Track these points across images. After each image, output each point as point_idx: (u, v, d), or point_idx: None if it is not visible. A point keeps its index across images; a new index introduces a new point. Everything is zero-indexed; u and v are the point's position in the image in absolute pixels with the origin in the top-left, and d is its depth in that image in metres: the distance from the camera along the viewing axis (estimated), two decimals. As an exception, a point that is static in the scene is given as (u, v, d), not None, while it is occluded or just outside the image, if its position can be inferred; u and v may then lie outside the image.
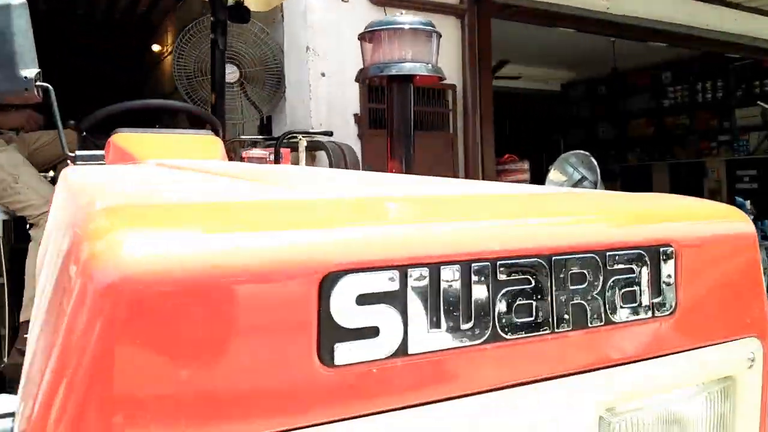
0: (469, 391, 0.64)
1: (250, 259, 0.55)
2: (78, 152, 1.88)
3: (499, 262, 0.65)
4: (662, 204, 0.86)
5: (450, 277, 0.63)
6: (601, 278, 0.71)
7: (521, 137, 9.36)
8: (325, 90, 4.49)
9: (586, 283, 0.71)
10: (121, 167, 1.86)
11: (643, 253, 0.74)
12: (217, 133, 2.49)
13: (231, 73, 4.79)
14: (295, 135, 3.48)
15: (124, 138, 2.17)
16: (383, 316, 0.59)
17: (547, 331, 0.68)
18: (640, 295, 0.74)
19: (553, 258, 0.69)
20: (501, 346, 0.65)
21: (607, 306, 0.72)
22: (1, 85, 1.68)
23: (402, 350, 0.60)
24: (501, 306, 0.65)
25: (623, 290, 0.73)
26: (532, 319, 0.67)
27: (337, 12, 4.55)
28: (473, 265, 0.64)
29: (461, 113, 4.95)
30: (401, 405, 0.60)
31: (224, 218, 0.60)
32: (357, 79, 1.87)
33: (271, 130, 4.80)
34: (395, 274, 0.60)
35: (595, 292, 0.71)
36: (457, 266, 0.63)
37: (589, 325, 0.71)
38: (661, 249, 0.76)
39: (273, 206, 0.68)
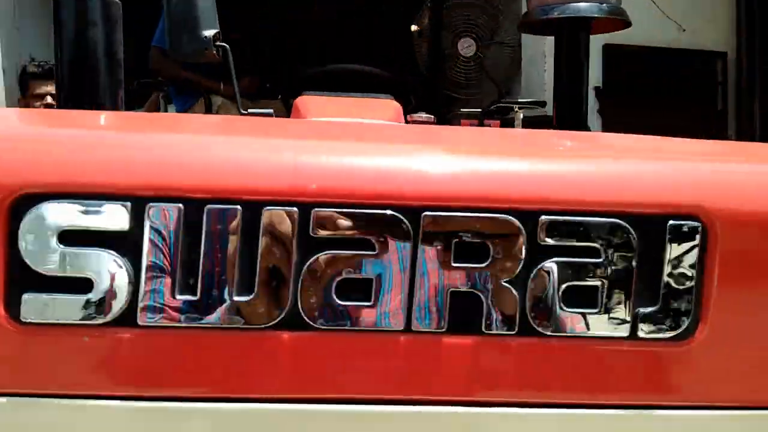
0: (236, 396, 0.42)
1: None
2: (250, 110, 1.95)
3: (316, 211, 0.42)
4: (688, 148, 0.50)
5: (221, 221, 0.42)
6: (524, 254, 0.42)
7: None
8: (562, 61, 4.09)
9: (489, 260, 0.42)
10: None
11: (624, 224, 0.42)
12: (405, 99, 2.40)
13: (468, 47, 4.66)
14: (508, 106, 3.22)
15: (305, 100, 2.23)
16: (101, 264, 0.41)
17: (394, 328, 0.42)
18: (606, 296, 0.43)
19: (425, 214, 0.42)
20: (303, 338, 0.42)
21: (528, 305, 0.42)
22: (186, 46, 1.80)
23: (127, 319, 0.41)
24: (313, 278, 0.42)
25: (567, 283, 0.42)
26: (370, 304, 0.42)
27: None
28: (267, 209, 0.42)
29: (734, 87, 4.12)
30: (120, 393, 0.41)
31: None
32: (520, 29, 1.59)
33: (508, 105, 4.56)
34: (126, 206, 0.41)
35: (505, 279, 0.42)
36: (235, 207, 0.41)
37: (485, 330, 0.42)
38: (671, 222, 0.43)
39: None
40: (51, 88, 2.49)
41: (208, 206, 0.41)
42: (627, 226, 0.42)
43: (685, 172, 0.45)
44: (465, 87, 4.55)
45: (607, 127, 4.10)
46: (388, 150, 0.47)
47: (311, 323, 0.42)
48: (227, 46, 1.81)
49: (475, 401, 0.42)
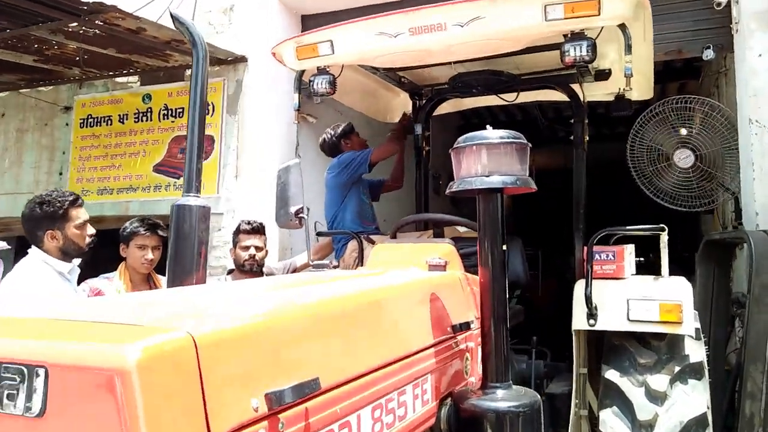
0: None
1: None
2: (313, 261, 2.56)
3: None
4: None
5: None
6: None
7: None
8: (772, 166, 3.76)
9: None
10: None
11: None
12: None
13: (685, 158, 4.49)
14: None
15: (382, 247, 2.72)
16: None
17: None
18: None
19: None
20: None
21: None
22: (282, 218, 2.59)
23: None
24: None
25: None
26: None
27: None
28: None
29: None
30: None
31: None
32: (448, 194, 1.93)
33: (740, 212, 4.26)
34: None
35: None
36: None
37: None
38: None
39: None
40: (257, 241, 3.48)
41: None
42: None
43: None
44: (688, 199, 4.40)
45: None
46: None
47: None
48: (305, 216, 2.50)
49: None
